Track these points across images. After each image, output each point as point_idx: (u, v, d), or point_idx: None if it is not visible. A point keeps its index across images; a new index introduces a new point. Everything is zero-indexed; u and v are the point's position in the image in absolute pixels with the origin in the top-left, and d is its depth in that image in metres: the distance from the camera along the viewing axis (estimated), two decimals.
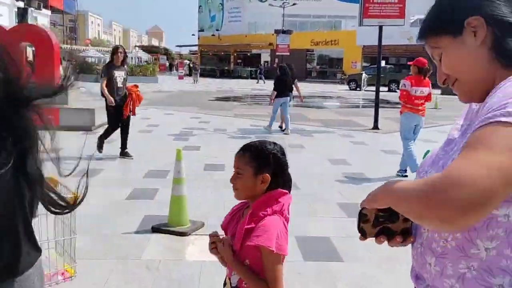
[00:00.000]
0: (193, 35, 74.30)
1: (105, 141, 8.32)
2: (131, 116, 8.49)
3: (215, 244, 1.90)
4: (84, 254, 3.76)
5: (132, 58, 53.76)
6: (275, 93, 12.02)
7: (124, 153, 8.33)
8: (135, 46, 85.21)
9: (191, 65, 53.07)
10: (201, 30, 66.46)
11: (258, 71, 46.13)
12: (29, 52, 20.19)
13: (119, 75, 8.31)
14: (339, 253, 4.34)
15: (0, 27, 12.16)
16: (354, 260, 4.20)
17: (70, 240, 2.39)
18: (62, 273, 2.37)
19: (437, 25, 1.22)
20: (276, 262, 1.76)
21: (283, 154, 1.94)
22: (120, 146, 8.38)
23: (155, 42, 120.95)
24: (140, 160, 8.09)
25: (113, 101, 8.03)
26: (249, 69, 53.77)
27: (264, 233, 1.74)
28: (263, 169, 1.86)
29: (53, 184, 2.62)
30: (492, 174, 0.90)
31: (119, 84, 8.25)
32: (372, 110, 13.41)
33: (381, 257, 4.17)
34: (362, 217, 1.15)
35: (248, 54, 58.23)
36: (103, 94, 8.17)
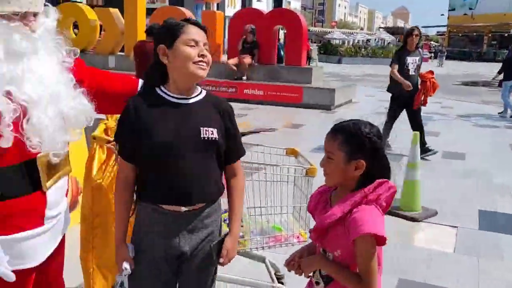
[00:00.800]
0: (442, 15, 69.90)
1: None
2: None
3: (299, 269, 1.81)
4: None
5: (375, 39, 53.53)
6: (499, 75, 11.01)
7: (425, 150, 6.98)
8: (379, 27, 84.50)
9: (433, 47, 50.10)
10: (452, 9, 61.95)
11: (507, 53, 40.84)
12: (281, 34, 21.93)
13: (412, 61, 7.19)
14: None
15: (259, 11, 13.49)
16: None
17: (305, 208, 2.57)
18: (297, 236, 2.58)
19: None
20: (370, 251, 1.59)
21: (380, 137, 1.70)
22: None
23: (400, 23, 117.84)
24: None
25: (410, 85, 7.01)
26: (505, 51, 48.16)
27: (360, 225, 1.58)
28: (358, 154, 1.66)
29: (294, 154, 2.84)
30: None
31: (411, 72, 7.18)
32: None
33: None
34: None
35: (506, 35, 52.06)
36: (392, 80, 7.27)
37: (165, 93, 1.87)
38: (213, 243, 1.89)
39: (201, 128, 1.83)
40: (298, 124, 9.40)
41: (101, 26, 14.90)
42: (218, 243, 1.90)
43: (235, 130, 1.96)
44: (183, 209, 1.84)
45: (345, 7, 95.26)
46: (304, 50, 12.87)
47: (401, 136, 8.17)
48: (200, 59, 1.82)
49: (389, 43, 50.86)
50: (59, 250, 1.83)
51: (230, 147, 1.94)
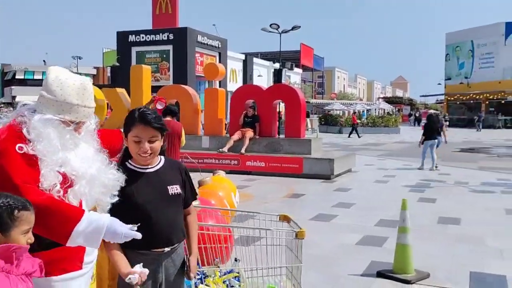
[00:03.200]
0: (439, 84, 71.84)
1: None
2: None
3: None
4: (313, 287, 4.23)
5: (375, 109, 54.82)
6: (423, 137, 14.34)
7: None
8: (378, 97, 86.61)
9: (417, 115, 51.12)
10: (448, 78, 63.79)
11: (476, 118, 43.12)
12: (282, 107, 22.71)
13: None
14: None
15: (258, 87, 14.19)
16: None
17: (297, 267, 2.85)
18: None
19: None
20: None
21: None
22: None
23: (399, 93, 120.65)
24: (373, 209, 8.35)
25: None
26: (504, 118, 49.19)
27: None
28: None
29: (287, 220, 3.15)
30: None
31: None
32: None
33: None
34: None
35: (503, 102, 53.28)
36: None
37: (134, 166, 2.44)
38: (185, 268, 2.45)
39: (168, 186, 2.41)
40: (299, 193, 9.69)
41: (108, 104, 15.60)
42: (186, 265, 2.47)
43: (189, 181, 2.57)
44: (166, 249, 2.38)
45: (344, 79, 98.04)
46: (303, 122, 13.41)
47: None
48: (142, 153, 2.36)
49: (388, 112, 52.01)
50: None
51: (187, 195, 2.54)
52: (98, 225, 2.06)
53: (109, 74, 46.24)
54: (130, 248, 2.33)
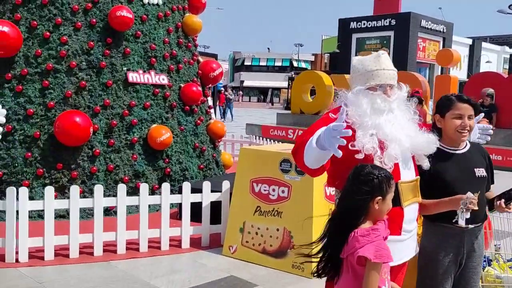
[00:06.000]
0: None
1: None
2: None
3: None
4: None
5: None
6: None
7: None
8: None
9: None
10: None
11: None
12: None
13: None
14: None
15: (498, 75, 13.09)
16: None
17: None
18: None
19: None
20: None
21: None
22: None
23: None
24: None
25: None
26: None
27: None
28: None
29: None
30: None
31: None
32: None
33: None
34: None
35: None
36: None
37: (443, 146, 2.57)
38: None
39: (475, 168, 2.54)
40: None
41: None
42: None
43: (491, 167, 2.67)
44: (470, 226, 2.49)
45: None
46: None
47: None
48: (461, 129, 2.51)
49: None
50: (401, 269, 2.41)
51: (489, 179, 2.63)
52: (309, 145, 2.30)
53: (326, 61, 47.61)
54: (434, 221, 2.54)
